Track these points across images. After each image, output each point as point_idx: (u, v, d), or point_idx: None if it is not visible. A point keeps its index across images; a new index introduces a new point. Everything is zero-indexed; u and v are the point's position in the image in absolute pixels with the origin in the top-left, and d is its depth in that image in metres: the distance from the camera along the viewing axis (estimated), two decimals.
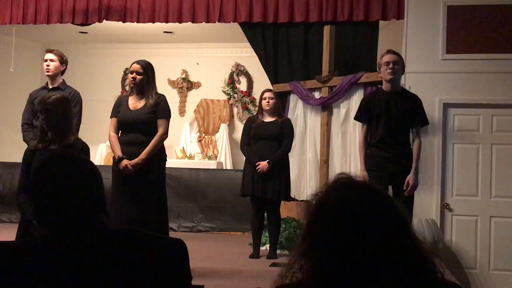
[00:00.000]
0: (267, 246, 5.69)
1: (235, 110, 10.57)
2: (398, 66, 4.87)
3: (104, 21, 7.37)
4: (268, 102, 5.56)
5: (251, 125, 5.60)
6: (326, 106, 6.53)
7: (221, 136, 10.23)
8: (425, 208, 5.78)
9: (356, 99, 6.16)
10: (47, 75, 5.14)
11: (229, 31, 8.37)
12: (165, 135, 4.65)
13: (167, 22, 7.33)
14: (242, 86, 10.53)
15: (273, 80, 7.06)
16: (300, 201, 6.37)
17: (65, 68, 5.22)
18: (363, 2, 6.52)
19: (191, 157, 9.82)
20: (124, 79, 10.45)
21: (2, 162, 8.07)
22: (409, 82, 5.82)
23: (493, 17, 5.89)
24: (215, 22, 7.11)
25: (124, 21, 7.33)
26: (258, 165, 5.37)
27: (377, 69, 5.11)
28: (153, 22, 7.30)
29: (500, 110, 5.88)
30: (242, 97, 10.45)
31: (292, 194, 6.06)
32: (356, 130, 6.05)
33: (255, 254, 5.50)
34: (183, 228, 7.40)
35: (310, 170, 6.68)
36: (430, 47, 5.98)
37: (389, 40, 6.68)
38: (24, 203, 3.73)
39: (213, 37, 9.62)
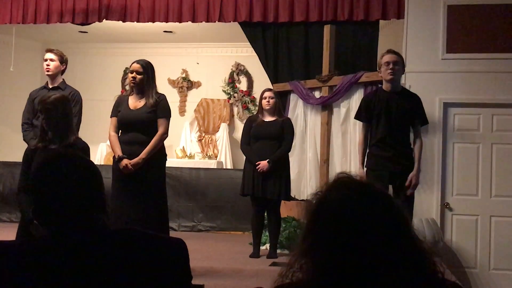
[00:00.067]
0: (267, 245, 5.70)
1: (235, 109, 10.57)
2: (398, 66, 4.87)
3: (104, 20, 7.37)
4: (268, 101, 5.56)
5: (251, 125, 5.60)
6: (326, 106, 6.53)
7: (221, 136, 10.23)
8: (425, 208, 5.78)
9: (356, 99, 6.15)
10: (47, 75, 5.14)
11: (229, 30, 8.37)
12: (165, 134, 4.65)
13: (167, 22, 7.33)
14: (242, 85, 10.53)
15: (273, 80, 7.06)
16: (300, 200, 6.37)
17: (65, 68, 5.22)
18: (363, 1, 6.52)
19: (191, 157, 9.82)
20: (124, 78, 10.45)
21: (2, 161, 8.07)
22: (409, 81, 5.82)
23: (493, 16, 5.89)
24: (215, 22, 7.11)
25: (124, 21, 7.33)
26: (258, 164, 5.37)
27: (377, 69, 5.11)
28: (153, 22, 7.31)
29: (500, 109, 5.88)
30: (242, 96, 10.45)
31: (292, 194, 6.07)
32: (356, 130, 6.05)
33: (255, 254, 5.50)
34: (183, 228, 7.41)
35: (310, 169, 6.68)
36: (430, 46, 5.98)
37: (389, 40, 6.67)
38: (24, 203, 3.72)
39: (213, 36, 9.62)
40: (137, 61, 4.71)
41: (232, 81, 10.49)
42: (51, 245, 1.58)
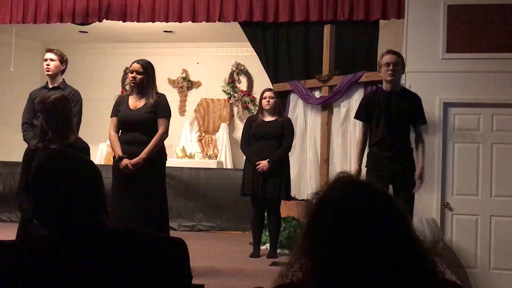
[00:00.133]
0: (267, 245, 5.70)
1: (235, 109, 10.57)
2: (398, 67, 4.87)
3: (104, 20, 7.37)
4: (268, 101, 5.56)
5: (251, 125, 5.60)
6: (326, 106, 6.53)
7: (221, 136, 10.23)
8: (425, 208, 5.78)
9: (356, 99, 6.15)
10: (47, 75, 5.14)
11: (229, 30, 8.37)
12: (165, 134, 4.65)
13: (167, 22, 7.33)
14: (242, 85, 10.53)
15: (273, 80, 7.06)
16: (300, 200, 6.38)
17: (65, 68, 5.22)
18: (363, 1, 6.52)
19: (191, 157, 9.82)
20: (124, 78, 10.45)
21: (2, 161, 8.07)
22: (409, 81, 5.82)
23: (493, 16, 5.89)
24: (215, 22, 7.11)
25: (124, 21, 7.33)
26: (259, 164, 5.37)
27: (377, 69, 5.11)
28: (153, 22, 7.31)
29: (500, 109, 5.87)
30: (242, 96, 10.45)
31: (292, 194, 6.07)
32: (356, 130, 6.04)
33: (255, 253, 5.50)
34: (184, 227, 7.41)
35: (310, 169, 6.68)
36: (430, 46, 5.98)
37: (389, 40, 6.67)
38: (24, 203, 3.73)
39: (213, 36, 9.62)
40: (137, 61, 4.71)
41: (232, 81, 10.49)
42: (51, 245, 1.58)
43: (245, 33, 7.22)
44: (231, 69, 10.49)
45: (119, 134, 4.73)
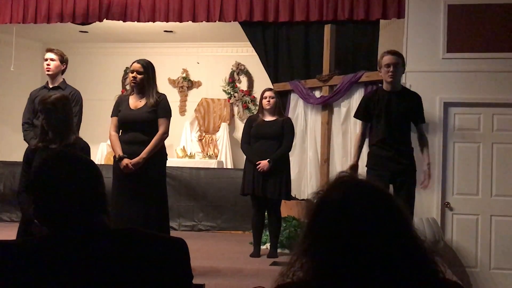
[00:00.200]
0: (268, 245, 5.70)
1: (235, 109, 10.57)
2: (398, 67, 4.87)
3: (105, 20, 7.37)
4: (268, 101, 5.56)
5: (252, 124, 5.60)
6: (326, 105, 6.53)
7: (222, 135, 10.23)
8: (425, 207, 5.78)
9: (356, 98, 6.15)
10: (48, 75, 5.14)
11: (230, 30, 8.37)
12: (165, 134, 4.65)
13: (167, 21, 7.33)
14: (243, 85, 10.53)
15: (274, 79, 7.06)
16: (301, 200, 6.38)
17: (66, 68, 5.22)
18: (363, 1, 6.51)
19: (191, 156, 9.82)
20: (124, 78, 10.45)
21: (2, 161, 8.07)
22: (409, 81, 5.82)
23: (493, 16, 5.89)
24: (215, 21, 7.10)
25: (124, 20, 7.33)
26: (259, 164, 5.37)
27: (378, 69, 5.11)
28: (154, 21, 7.30)
29: (500, 109, 5.87)
30: (242, 96, 10.45)
31: (293, 193, 6.07)
32: (356, 129, 6.04)
33: (256, 253, 5.51)
34: (184, 227, 7.41)
35: (311, 169, 6.68)
36: (430, 46, 5.98)
37: (390, 39, 6.67)
38: (25, 202, 3.72)
39: (214, 36, 9.62)
40: (138, 61, 4.72)
41: (232, 81, 10.49)
42: (51, 244, 1.58)
43: (245, 33, 7.22)
44: (232, 69, 10.49)
45: (120, 134, 4.73)
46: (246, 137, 5.62)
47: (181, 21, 7.23)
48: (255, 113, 6.76)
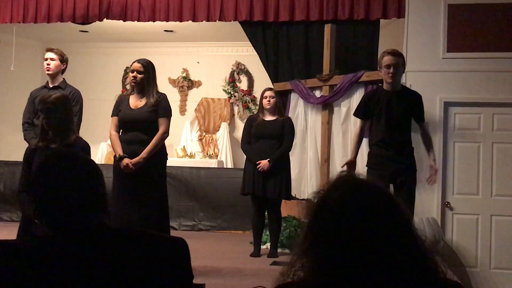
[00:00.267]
0: (268, 244, 5.70)
1: (235, 109, 10.57)
2: (399, 68, 4.86)
3: (105, 20, 7.37)
4: (269, 100, 5.56)
5: (252, 124, 5.60)
6: (326, 105, 6.52)
7: (222, 135, 10.23)
8: (426, 207, 5.78)
9: (356, 98, 6.15)
10: (48, 74, 5.15)
11: (230, 29, 8.36)
12: (166, 134, 4.65)
13: (167, 21, 7.33)
14: (243, 84, 10.53)
15: (274, 79, 7.06)
16: (301, 199, 6.38)
17: (66, 67, 5.22)
18: (363, 1, 6.52)
19: (191, 156, 9.82)
20: (124, 78, 10.45)
21: (3, 161, 8.08)
22: (409, 80, 5.82)
23: (494, 15, 5.89)
24: (215, 21, 7.10)
25: (124, 20, 7.33)
26: (259, 164, 5.37)
27: (378, 68, 5.11)
28: (154, 21, 7.30)
29: (501, 108, 5.87)
30: (242, 95, 10.45)
31: (293, 193, 6.07)
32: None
33: (256, 253, 5.51)
34: (184, 227, 7.41)
35: (311, 169, 6.68)
36: (431, 45, 5.98)
37: (390, 39, 6.67)
38: (25, 202, 3.73)
39: (214, 35, 9.62)
40: (138, 61, 4.72)
41: (232, 80, 10.49)
42: (52, 244, 1.58)
43: (245, 33, 7.22)
44: (232, 68, 10.49)
45: (120, 134, 4.73)
46: (246, 137, 5.62)
47: (181, 21, 7.23)
48: (255, 112, 6.76)
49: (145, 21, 7.27)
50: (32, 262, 1.52)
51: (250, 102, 10.39)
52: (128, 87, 8.92)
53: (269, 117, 5.57)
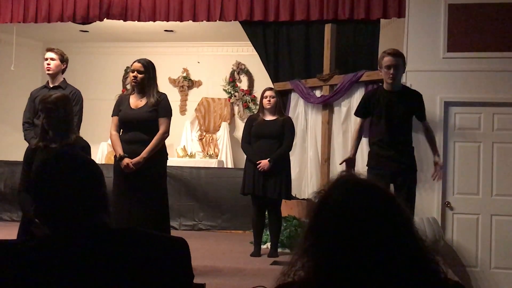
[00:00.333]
0: (268, 244, 5.70)
1: (236, 108, 10.57)
2: (399, 69, 4.86)
3: (105, 19, 7.37)
4: (269, 100, 5.56)
5: (252, 124, 5.60)
6: (327, 105, 6.52)
7: (222, 135, 10.23)
8: (426, 207, 5.78)
9: (357, 98, 6.15)
10: (48, 74, 5.15)
11: (230, 29, 8.36)
12: (166, 133, 4.65)
13: (168, 21, 7.32)
14: (243, 84, 10.53)
15: (274, 79, 7.06)
16: (301, 199, 6.37)
17: (66, 67, 5.22)
18: (364, 0, 6.51)
19: (192, 156, 9.82)
20: (125, 77, 10.45)
21: (3, 160, 8.08)
22: (410, 80, 5.82)
23: (494, 15, 5.88)
24: (216, 21, 7.10)
25: (125, 20, 7.33)
26: (259, 163, 5.37)
27: (378, 68, 5.11)
28: (154, 21, 7.30)
29: (501, 108, 5.87)
30: (243, 95, 10.45)
31: (293, 193, 6.06)
32: None
33: (256, 253, 5.50)
34: (184, 227, 7.41)
35: (311, 168, 6.68)
36: (431, 45, 5.98)
37: (390, 39, 6.67)
38: (25, 202, 3.73)
39: (214, 35, 9.62)
40: (138, 60, 4.72)
41: (232, 80, 10.49)
42: (52, 244, 1.58)
43: (245, 32, 7.22)
44: (232, 68, 10.49)
45: (120, 134, 4.73)
46: (247, 137, 5.62)
47: (181, 21, 7.23)
48: (255, 112, 6.76)
49: (146, 21, 7.27)
50: (32, 262, 1.52)
51: (250, 102, 10.39)
52: (128, 87, 8.92)
53: (269, 117, 5.57)
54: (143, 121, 4.60)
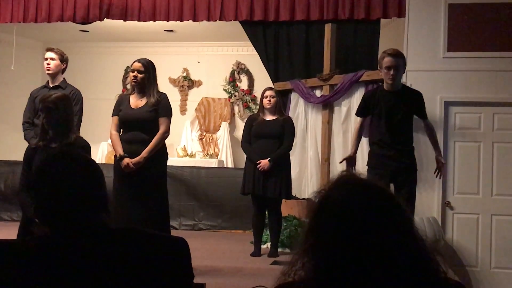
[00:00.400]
0: (268, 244, 5.70)
1: (236, 108, 10.57)
2: (399, 69, 4.86)
3: (105, 19, 7.36)
4: (269, 100, 5.56)
5: (252, 123, 5.60)
6: (327, 105, 6.52)
7: (222, 135, 10.23)
8: (426, 206, 5.77)
9: (357, 97, 6.15)
10: (48, 74, 5.15)
11: (230, 29, 8.36)
12: (166, 133, 4.65)
13: (168, 21, 7.32)
14: (243, 84, 10.53)
15: (274, 78, 7.06)
16: (301, 199, 6.37)
17: (66, 67, 5.22)
18: (364, 0, 6.51)
19: (192, 156, 9.82)
20: (125, 77, 10.45)
21: (3, 160, 8.08)
22: (410, 80, 5.81)
23: (494, 15, 5.88)
24: (216, 21, 7.10)
25: (125, 20, 7.32)
26: (259, 163, 5.37)
27: (378, 68, 5.11)
28: (154, 21, 7.30)
29: (501, 108, 5.86)
30: (243, 95, 10.45)
31: (293, 193, 6.06)
32: None
33: (256, 252, 5.51)
34: (184, 226, 7.41)
35: (311, 168, 6.67)
36: (431, 45, 5.97)
37: (390, 38, 6.67)
38: (26, 202, 3.73)
39: (214, 35, 9.62)
40: (139, 60, 4.72)
41: (233, 80, 10.49)
42: (52, 244, 1.58)
43: (245, 32, 7.22)
44: (232, 68, 10.49)
45: (120, 133, 4.73)
46: (247, 136, 5.62)
47: (181, 21, 7.23)
48: (255, 112, 6.76)
49: (146, 21, 7.27)
50: (32, 262, 1.52)
51: (250, 101, 10.39)
52: (128, 86, 8.92)
53: (269, 117, 5.57)
54: (143, 121, 4.60)
